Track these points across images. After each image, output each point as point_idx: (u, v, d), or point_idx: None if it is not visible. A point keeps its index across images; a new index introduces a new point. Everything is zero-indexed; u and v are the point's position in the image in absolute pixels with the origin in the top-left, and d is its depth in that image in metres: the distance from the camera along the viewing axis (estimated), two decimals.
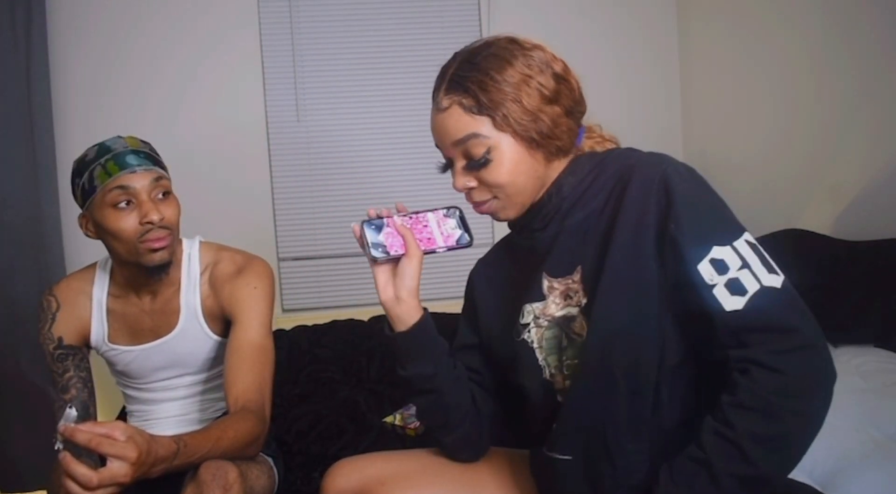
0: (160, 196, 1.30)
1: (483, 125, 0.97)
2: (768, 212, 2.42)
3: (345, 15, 2.80)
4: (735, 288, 0.86)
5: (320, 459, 1.57)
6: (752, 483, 0.84)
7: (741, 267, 0.87)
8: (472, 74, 0.97)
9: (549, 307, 1.03)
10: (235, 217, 2.72)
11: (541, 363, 1.03)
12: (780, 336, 0.85)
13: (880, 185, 1.96)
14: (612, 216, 0.96)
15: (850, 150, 2.09)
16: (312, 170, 2.83)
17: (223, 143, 2.72)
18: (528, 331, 1.05)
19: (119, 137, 1.32)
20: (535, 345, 1.04)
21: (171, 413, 1.48)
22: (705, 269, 0.88)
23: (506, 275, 1.15)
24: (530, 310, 1.05)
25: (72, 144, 2.55)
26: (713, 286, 0.87)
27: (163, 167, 1.34)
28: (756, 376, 0.83)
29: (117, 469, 0.93)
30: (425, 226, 1.10)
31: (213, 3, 2.70)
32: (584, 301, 0.99)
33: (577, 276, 1.00)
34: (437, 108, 1.01)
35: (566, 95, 0.98)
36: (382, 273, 1.09)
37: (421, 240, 1.08)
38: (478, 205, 1.03)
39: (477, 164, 0.98)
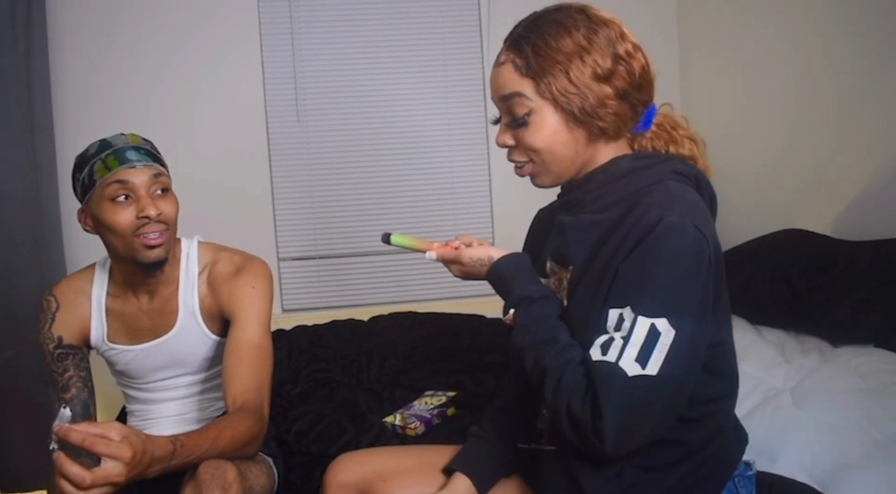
0: (158, 192, 1.31)
1: (527, 87, 0.97)
2: (768, 212, 2.42)
3: (345, 15, 2.80)
4: (605, 346, 0.89)
5: (320, 459, 1.57)
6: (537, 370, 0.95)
7: (623, 337, 0.88)
8: (531, 36, 0.98)
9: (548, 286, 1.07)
10: (235, 217, 2.72)
11: None
12: (589, 405, 0.88)
13: (880, 185, 1.96)
14: (608, 239, 0.97)
15: (850, 150, 2.09)
16: (312, 170, 2.83)
17: (223, 143, 2.72)
18: None
19: (121, 134, 1.33)
20: None
21: (170, 412, 1.48)
22: (613, 316, 0.91)
23: (545, 237, 1.15)
24: None
25: (72, 144, 2.54)
26: (607, 333, 0.91)
27: (163, 164, 1.35)
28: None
29: (111, 469, 0.93)
30: None
31: (213, 3, 2.70)
32: (565, 303, 1.02)
33: (568, 274, 1.02)
34: (496, 62, 1.02)
35: (622, 78, 0.97)
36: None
37: None
38: (516, 167, 1.05)
39: (516, 123, 1.00)
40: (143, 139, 1.36)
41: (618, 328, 0.89)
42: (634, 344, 0.87)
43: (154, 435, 1.04)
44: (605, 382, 0.87)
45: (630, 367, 0.86)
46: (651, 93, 1.01)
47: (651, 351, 0.87)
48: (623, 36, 0.98)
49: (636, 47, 0.99)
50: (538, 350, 0.95)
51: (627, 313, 0.89)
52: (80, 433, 0.93)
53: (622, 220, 0.95)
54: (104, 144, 1.30)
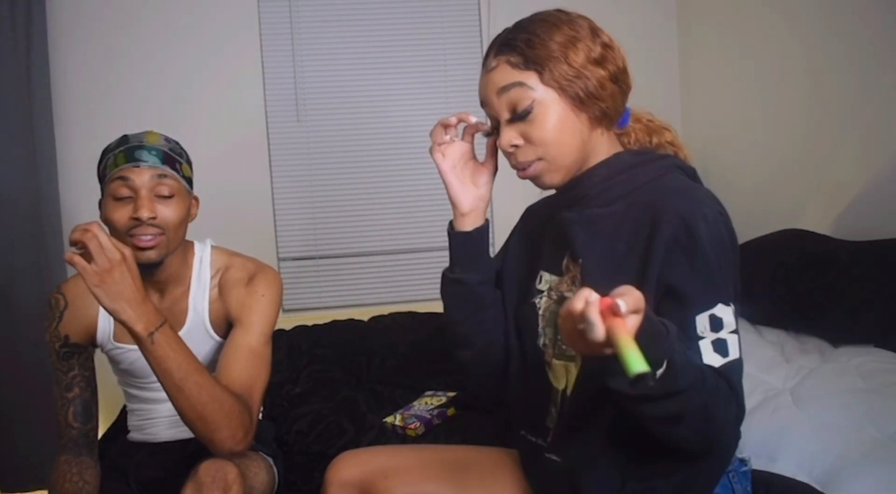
0: (164, 194, 1.29)
1: (529, 78, 0.99)
2: (768, 212, 2.42)
3: (345, 15, 2.80)
4: (719, 347, 0.91)
5: (320, 459, 1.57)
6: (664, 418, 0.85)
7: (732, 332, 0.92)
8: (520, 35, 1.00)
9: (562, 284, 1.06)
10: (235, 217, 2.71)
11: (540, 330, 1.08)
12: (734, 404, 0.91)
13: (880, 185, 1.96)
14: (634, 245, 0.97)
15: (850, 150, 2.09)
16: (312, 170, 2.83)
17: (223, 143, 2.72)
18: (540, 298, 1.09)
19: (146, 132, 1.33)
20: (541, 312, 1.08)
21: (171, 412, 1.47)
22: (702, 321, 0.91)
23: (542, 233, 1.15)
24: (548, 280, 1.09)
25: (72, 144, 2.55)
26: (701, 338, 0.91)
27: (177, 168, 1.32)
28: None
29: (110, 249, 1.08)
30: None
31: (213, 3, 2.70)
32: None
33: (578, 270, 1.03)
34: (486, 70, 1.03)
35: (612, 61, 1.01)
36: (455, 177, 1.12)
37: None
38: (522, 169, 1.03)
39: (521, 116, 0.99)
40: (167, 139, 1.34)
41: (716, 329, 0.91)
42: (727, 335, 0.91)
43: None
44: (731, 378, 0.90)
45: (734, 353, 0.91)
46: (630, 81, 1.05)
47: (731, 339, 0.92)
48: (598, 29, 1.03)
49: (611, 38, 1.04)
50: (707, 398, 0.86)
51: (722, 311, 0.91)
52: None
53: (640, 216, 0.97)
54: (123, 140, 1.31)
